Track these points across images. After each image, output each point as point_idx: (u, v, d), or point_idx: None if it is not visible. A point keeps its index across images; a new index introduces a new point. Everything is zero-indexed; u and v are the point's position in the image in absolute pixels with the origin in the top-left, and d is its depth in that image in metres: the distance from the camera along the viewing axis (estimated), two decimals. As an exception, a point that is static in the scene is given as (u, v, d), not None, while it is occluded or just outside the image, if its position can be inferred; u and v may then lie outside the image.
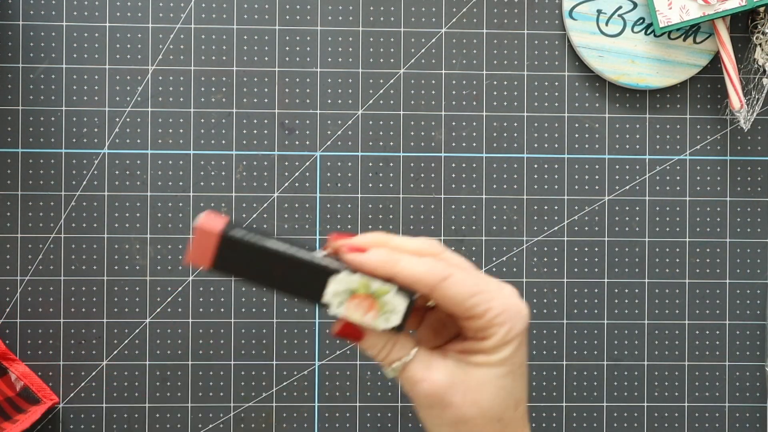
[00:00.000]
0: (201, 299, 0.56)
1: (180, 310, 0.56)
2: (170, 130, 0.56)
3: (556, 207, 0.57)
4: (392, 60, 0.57)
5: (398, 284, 0.39)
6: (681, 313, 0.58)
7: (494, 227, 0.57)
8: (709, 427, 0.58)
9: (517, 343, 0.40)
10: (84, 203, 0.56)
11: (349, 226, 0.57)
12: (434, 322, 0.43)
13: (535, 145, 0.57)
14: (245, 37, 0.57)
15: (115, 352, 0.56)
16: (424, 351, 0.40)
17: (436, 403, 0.39)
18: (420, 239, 0.41)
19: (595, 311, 0.57)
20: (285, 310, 0.57)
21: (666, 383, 0.58)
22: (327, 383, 0.57)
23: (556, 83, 0.58)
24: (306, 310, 0.57)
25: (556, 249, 0.57)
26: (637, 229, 0.58)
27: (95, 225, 0.56)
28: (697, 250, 0.58)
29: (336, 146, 0.57)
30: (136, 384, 0.56)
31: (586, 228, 0.57)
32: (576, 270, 0.57)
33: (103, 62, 0.56)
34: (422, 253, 0.40)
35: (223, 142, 0.57)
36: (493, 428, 0.40)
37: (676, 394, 0.58)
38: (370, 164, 0.57)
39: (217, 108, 0.57)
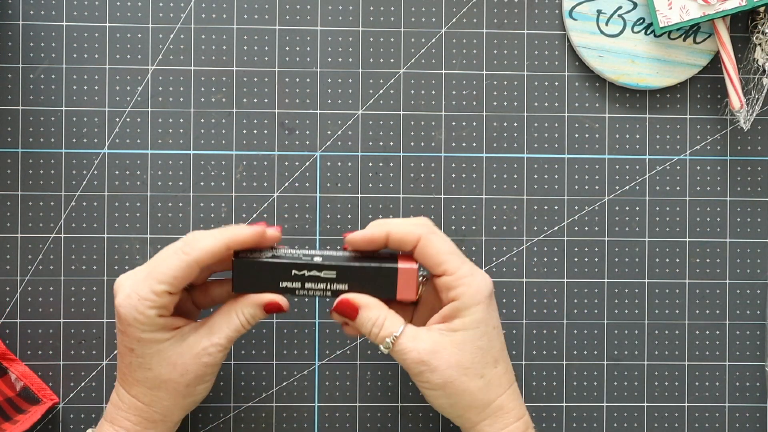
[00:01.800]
0: (201, 299, 0.56)
1: (180, 310, 0.56)
2: (170, 130, 0.56)
3: (556, 207, 0.57)
4: (392, 60, 0.57)
5: (391, 243, 0.47)
6: (681, 313, 0.58)
7: (494, 227, 0.57)
8: (709, 427, 0.58)
9: (486, 305, 0.46)
10: (84, 203, 0.56)
11: (349, 226, 0.57)
12: (430, 300, 0.50)
13: (535, 145, 0.57)
14: (245, 37, 0.57)
15: (115, 351, 0.56)
16: (411, 327, 0.47)
17: (424, 369, 0.45)
18: (413, 217, 0.49)
19: (595, 311, 0.57)
20: (285, 310, 0.57)
21: (666, 383, 0.58)
22: (327, 383, 0.57)
23: (556, 83, 0.58)
24: (306, 309, 0.57)
25: (556, 249, 0.57)
26: (637, 229, 0.58)
27: (95, 225, 0.56)
28: (697, 250, 0.58)
29: (336, 146, 0.57)
30: (136, 384, 0.56)
31: (586, 228, 0.57)
32: (576, 270, 0.57)
33: (103, 62, 0.56)
34: (413, 222, 0.48)
35: (223, 142, 0.57)
36: (476, 384, 0.46)
37: (676, 394, 0.58)
38: (370, 164, 0.57)
39: (217, 108, 0.57)
